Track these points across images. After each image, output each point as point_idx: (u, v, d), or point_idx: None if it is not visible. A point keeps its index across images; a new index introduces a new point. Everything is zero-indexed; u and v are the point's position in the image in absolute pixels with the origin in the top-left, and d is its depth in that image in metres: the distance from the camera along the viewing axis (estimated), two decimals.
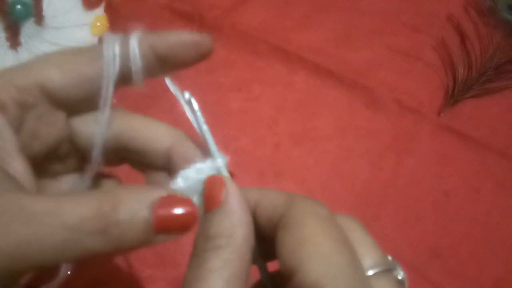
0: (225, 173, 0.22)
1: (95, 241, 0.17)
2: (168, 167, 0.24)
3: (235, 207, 0.20)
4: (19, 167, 0.20)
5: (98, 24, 0.54)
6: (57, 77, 0.21)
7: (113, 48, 0.21)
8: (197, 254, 0.19)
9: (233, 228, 0.19)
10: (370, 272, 0.18)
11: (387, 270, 0.19)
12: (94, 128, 0.22)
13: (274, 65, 0.57)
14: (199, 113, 0.22)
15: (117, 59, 0.21)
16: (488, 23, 0.62)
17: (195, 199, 0.21)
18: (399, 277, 0.19)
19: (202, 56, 0.23)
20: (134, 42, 0.21)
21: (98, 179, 0.25)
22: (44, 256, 0.16)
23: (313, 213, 0.19)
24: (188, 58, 0.23)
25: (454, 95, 0.56)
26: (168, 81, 0.23)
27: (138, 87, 0.22)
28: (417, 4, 0.64)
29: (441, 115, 0.54)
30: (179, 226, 0.19)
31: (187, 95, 0.23)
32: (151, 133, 0.23)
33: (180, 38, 0.22)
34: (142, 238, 0.18)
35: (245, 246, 0.19)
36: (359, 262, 0.18)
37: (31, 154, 0.21)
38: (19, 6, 0.48)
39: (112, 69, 0.21)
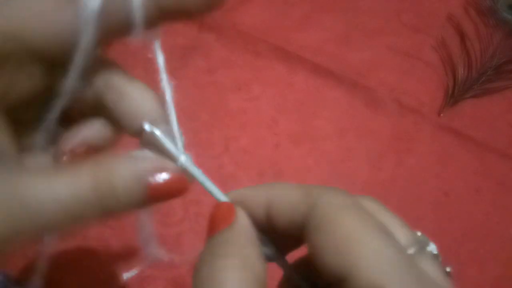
0: (193, 170, 0.21)
1: (91, 213, 0.18)
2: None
3: (246, 226, 0.19)
4: None
5: None
6: (36, 27, 0.18)
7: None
8: (205, 262, 0.19)
9: (246, 246, 0.19)
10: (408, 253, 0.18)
11: (422, 248, 0.18)
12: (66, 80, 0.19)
13: (274, 65, 0.57)
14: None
15: (96, 12, 0.17)
16: (488, 23, 0.62)
17: None
18: (434, 252, 0.19)
19: (210, 3, 0.21)
20: None
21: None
22: (36, 231, 0.17)
23: (344, 206, 0.18)
24: (196, 5, 0.21)
25: (454, 95, 0.56)
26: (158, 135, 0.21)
27: (135, 39, 0.20)
28: (417, 4, 0.64)
29: (441, 115, 0.54)
30: (170, 196, 0.20)
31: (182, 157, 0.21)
32: (132, 103, 0.21)
33: None
34: (135, 207, 0.19)
35: (260, 266, 0.18)
36: (403, 248, 0.17)
37: (4, 108, 0.19)
38: None
39: (91, 9, 0.17)
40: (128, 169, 0.19)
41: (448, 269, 0.19)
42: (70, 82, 0.19)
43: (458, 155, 0.52)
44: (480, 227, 0.47)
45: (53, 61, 0.19)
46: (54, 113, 0.20)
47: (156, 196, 0.19)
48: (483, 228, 0.47)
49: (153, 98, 0.21)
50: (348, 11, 0.63)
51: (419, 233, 0.19)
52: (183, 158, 0.21)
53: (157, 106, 0.21)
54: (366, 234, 0.16)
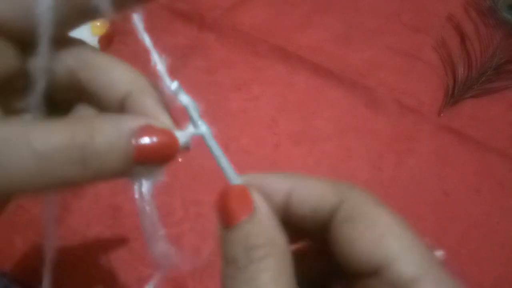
0: (211, 142, 0.21)
1: (72, 171, 0.16)
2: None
3: (268, 213, 0.19)
4: None
5: (98, 24, 0.54)
6: (3, 5, 0.18)
7: None
8: (242, 268, 0.18)
9: (274, 234, 0.18)
10: None
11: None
12: (35, 61, 0.19)
13: (274, 65, 0.57)
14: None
15: None
16: (488, 23, 0.62)
17: None
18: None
19: None
20: None
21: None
22: (13, 186, 0.16)
23: (376, 202, 0.18)
24: None
25: (454, 95, 0.56)
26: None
27: (106, 19, 0.20)
28: (417, 4, 0.64)
29: (441, 115, 0.54)
30: (159, 157, 0.18)
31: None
32: (107, 75, 0.20)
33: None
34: (121, 168, 0.17)
35: (288, 250, 0.18)
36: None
37: None
38: None
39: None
40: (111, 125, 0.17)
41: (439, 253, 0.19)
42: (39, 61, 0.19)
43: (458, 155, 0.52)
44: (480, 227, 0.47)
45: (22, 41, 0.19)
46: (35, 97, 0.20)
47: (143, 158, 0.18)
48: (483, 228, 0.47)
49: (130, 68, 0.21)
50: (348, 11, 0.63)
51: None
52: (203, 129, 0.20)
53: (137, 75, 0.21)
54: (400, 230, 0.17)
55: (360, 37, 0.61)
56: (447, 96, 0.56)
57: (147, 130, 0.18)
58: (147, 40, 0.20)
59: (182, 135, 0.20)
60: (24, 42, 0.19)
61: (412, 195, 0.49)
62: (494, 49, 0.59)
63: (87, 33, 0.53)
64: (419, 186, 0.49)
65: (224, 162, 0.21)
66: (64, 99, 0.22)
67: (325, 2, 0.64)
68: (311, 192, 0.19)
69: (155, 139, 0.18)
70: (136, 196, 0.19)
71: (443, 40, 0.60)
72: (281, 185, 0.20)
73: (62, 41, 0.20)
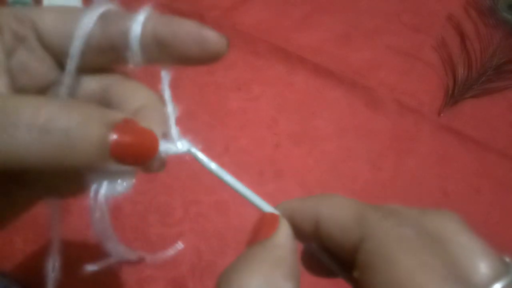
0: (198, 154, 0.21)
1: (37, 140, 0.16)
2: None
3: (283, 241, 0.18)
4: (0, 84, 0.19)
5: None
6: (50, 21, 0.20)
7: (96, 11, 0.20)
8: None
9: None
10: None
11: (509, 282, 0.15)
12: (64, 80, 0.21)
13: (274, 65, 0.57)
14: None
15: (94, 20, 0.20)
16: (488, 23, 0.62)
17: None
18: None
19: (207, 55, 0.21)
20: (140, 18, 0.20)
21: None
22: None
23: (400, 238, 0.16)
24: (190, 53, 0.21)
25: (454, 95, 0.56)
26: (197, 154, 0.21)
27: (135, 67, 0.21)
28: (417, 4, 0.64)
29: (441, 115, 0.54)
30: (136, 155, 0.18)
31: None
32: (132, 91, 0.22)
33: (184, 27, 0.21)
34: (95, 156, 0.16)
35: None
36: None
37: (18, 86, 0.20)
38: (18, 6, 0.48)
39: (84, 28, 0.20)
40: (92, 109, 0.17)
41: None
42: (66, 77, 0.21)
43: (458, 155, 0.52)
44: (480, 227, 0.47)
45: (59, 57, 0.21)
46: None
47: (120, 151, 0.17)
48: (483, 228, 0.47)
49: (152, 91, 0.22)
50: (348, 11, 0.63)
51: (507, 259, 0.17)
52: (214, 166, 0.21)
53: (155, 96, 0.22)
54: (424, 281, 0.15)
55: (360, 37, 0.61)
56: (447, 96, 0.56)
57: (130, 123, 0.18)
58: (167, 94, 0.22)
59: (165, 144, 0.20)
60: (61, 59, 0.21)
61: (412, 195, 0.49)
62: (494, 49, 0.59)
63: None
64: (419, 186, 0.49)
65: (253, 195, 0.21)
66: None
67: (325, 2, 0.64)
68: (335, 229, 0.18)
69: (135, 133, 0.18)
70: (90, 197, 0.19)
71: (443, 40, 0.60)
72: (307, 213, 0.19)
73: (107, 68, 0.22)
